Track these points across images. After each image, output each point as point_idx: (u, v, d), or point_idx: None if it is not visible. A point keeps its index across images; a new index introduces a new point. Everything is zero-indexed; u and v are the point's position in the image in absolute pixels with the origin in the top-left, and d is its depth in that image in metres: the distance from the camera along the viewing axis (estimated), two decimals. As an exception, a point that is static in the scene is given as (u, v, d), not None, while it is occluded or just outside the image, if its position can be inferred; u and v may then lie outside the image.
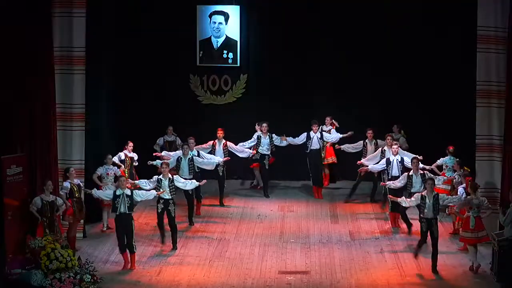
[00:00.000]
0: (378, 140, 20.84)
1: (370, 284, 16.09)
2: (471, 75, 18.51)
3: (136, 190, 17.24)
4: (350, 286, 15.99)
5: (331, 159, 22.04)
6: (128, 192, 16.84)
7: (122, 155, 20.03)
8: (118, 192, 16.80)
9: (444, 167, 19.59)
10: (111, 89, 21.36)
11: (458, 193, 17.73)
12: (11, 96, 17.34)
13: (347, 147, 21.20)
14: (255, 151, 21.27)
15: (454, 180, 18.68)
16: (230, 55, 22.64)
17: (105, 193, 17.36)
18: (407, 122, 21.66)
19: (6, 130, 17.28)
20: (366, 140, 20.94)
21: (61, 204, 17.08)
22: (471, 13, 18.43)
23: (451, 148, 19.57)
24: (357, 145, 21.06)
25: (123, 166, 19.73)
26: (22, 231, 16.79)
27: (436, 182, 17.63)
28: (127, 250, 16.82)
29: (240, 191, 22.18)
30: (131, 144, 20.27)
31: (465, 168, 18.49)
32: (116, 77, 21.67)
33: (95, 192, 17.42)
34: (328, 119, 21.86)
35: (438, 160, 19.59)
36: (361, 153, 20.83)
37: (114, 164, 19.40)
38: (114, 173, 18.97)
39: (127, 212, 16.76)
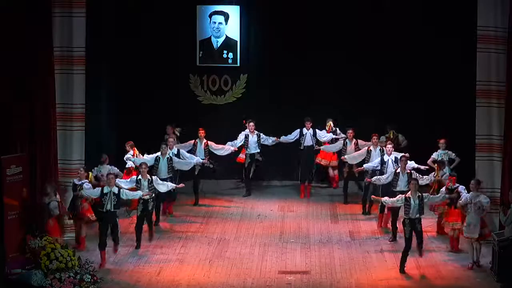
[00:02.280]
0: (359, 140, 20.87)
1: (370, 284, 16.10)
2: (471, 75, 18.51)
3: (124, 190, 17.32)
4: (350, 286, 16.00)
5: (332, 162, 22.02)
6: (115, 190, 16.91)
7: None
8: (105, 190, 16.90)
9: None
10: (111, 89, 21.39)
11: (459, 190, 17.69)
12: (11, 96, 17.35)
13: (327, 148, 21.32)
14: (235, 148, 21.17)
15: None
16: (230, 55, 22.64)
17: (92, 192, 17.38)
18: (407, 121, 21.65)
19: (6, 130, 17.29)
20: (346, 140, 20.98)
21: (53, 208, 17.04)
22: (471, 13, 18.43)
23: (441, 141, 19.66)
24: (337, 145, 21.11)
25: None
26: (22, 231, 16.79)
27: (420, 182, 17.62)
28: (112, 242, 17.01)
29: (239, 191, 22.14)
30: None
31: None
32: (116, 77, 21.69)
33: (84, 192, 17.42)
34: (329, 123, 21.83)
35: (433, 154, 19.66)
36: (340, 153, 20.93)
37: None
38: (101, 174, 18.97)
39: (113, 210, 16.86)
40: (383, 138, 20.77)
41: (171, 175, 19.37)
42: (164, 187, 18.38)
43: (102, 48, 20.04)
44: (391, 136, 21.12)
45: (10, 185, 16.58)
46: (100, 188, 17.27)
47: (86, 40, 18.35)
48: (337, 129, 21.76)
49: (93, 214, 17.91)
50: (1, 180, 16.42)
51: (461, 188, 17.62)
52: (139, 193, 17.57)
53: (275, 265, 17.00)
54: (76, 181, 17.77)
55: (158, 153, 19.57)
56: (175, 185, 18.68)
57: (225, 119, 22.21)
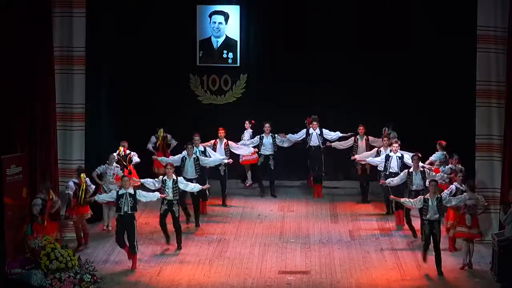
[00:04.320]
0: (369, 137, 20.86)
1: (370, 284, 16.10)
2: (471, 75, 18.51)
3: (140, 191, 17.22)
4: (350, 286, 16.00)
5: None
6: (131, 191, 16.84)
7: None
8: (121, 192, 16.82)
9: (438, 162, 19.68)
10: (111, 89, 21.37)
11: (450, 189, 17.67)
12: (11, 96, 17.34)
13: (338, 144, 21.28)
14: (255, 149, 21.24)
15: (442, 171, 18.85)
16: (230, 55, 22.64)
17: (108, 196, 17.39)
18: (407, 121, 21.65)
19: (6, 130, 17.28)
20: (357, 136, 20.96)
21: (32, 205, 16.90)
22: (471, 13, 18.43)
23: (442, 143, 19.73)
24: (348, 142, 21.08)
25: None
26: (22, 231, 16.79)
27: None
28: (129, 251, 16.84)
29: (240, 191, 22.14)
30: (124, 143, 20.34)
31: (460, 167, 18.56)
32: (116, 77, 21.67)
33: (98, 197, 17.44)
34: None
35: (431, 157, 19.69)
36: (352, 149, 20.87)
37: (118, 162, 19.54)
38: (113, 173, 18.98)
39: (130, 212, 16.79)
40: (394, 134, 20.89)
41: (198, 175, 19.30)
42: (188, 187, 18.31)
43: (102, 48, 20.03)
44: (384, 133, 21.11)
45: (10, 185, 16.58)
46: (115, 191, 17.23)
47: (86, 40, 18.37)
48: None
49: (90, 212, 17.95)
50: (1, 180, 16.41)
51: (453, 186, 17.67)
52: (156, 195, 17.50)
53: (275, 265, 17.01)
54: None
55: (184, 153, 19.54)
56: (200, 186, 18.59)
57: (225, 119, 22.19)
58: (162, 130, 21.51)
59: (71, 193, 17.74)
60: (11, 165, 16.65)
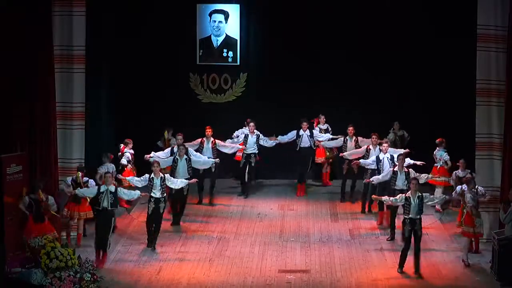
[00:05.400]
0: (359, 138, 20.85)
1: (370, 283, 16.10)
2: (471, 74, 18.52)
3: (121, 188, 17.29)
4: (350, 285, 16.00)
5: (320, 159, 22.09)
6: (112, 188, 16.86)
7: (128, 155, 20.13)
8: (102, 189, 16.86)
9: (437, 159, 19.77)
10: (111, 88, 21.38)
11: (456, 190, 17.79)
12: (11, 95, 17.34)
13: (327, 143, 21.27)
14: (243, 147, 21.19)
15: (452, 178, 18.89)
16: (230, 53, 22.67)
17: (88, 191, 17.35)
18: (407, 120, 21.67)
19: (6, 129, 17.29)
20: (347, 137, 20.94)
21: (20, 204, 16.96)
22: (471, 11, 18.43)
23: (438, 140, 19.90)
24: (338, 142, 21.09)
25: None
26: (22, 230, 16.77)
27: (420, 181, 17.60)
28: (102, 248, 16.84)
29: (239, 190, 22.10)
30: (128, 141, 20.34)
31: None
32: (116, 76, 21.71)
33: (78, 191, 17.38)
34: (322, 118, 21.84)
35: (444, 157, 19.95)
36: (341, 150, 20.88)
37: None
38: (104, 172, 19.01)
39: (110, 208, 16.80)
40: (401, 132, 20.83)
41: (189, 176, 19.21)
42: (177, 184, 18.33)
43: (102, 46, 20.05)
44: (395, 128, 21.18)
45: (10, 184, 16.59)
46: (97, 186, 17.25)
47: (86, 39, 18.35)
48: (328, 126, 21.82)
49: (91, 211, 17.88)
50: (1, 179, 16.41)
51: (459, 187, 17.75)
52: (137, 193, 17.51)
53: (275, 264, 17.01)
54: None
55: (168, 148, 19.61)
56: (187, 181, 18.60)
57: (225, 117, 22.21)
58: (166, 132, 21.46)
59: (65, 189, 17.72)
60: (11, 164, 16.66)
